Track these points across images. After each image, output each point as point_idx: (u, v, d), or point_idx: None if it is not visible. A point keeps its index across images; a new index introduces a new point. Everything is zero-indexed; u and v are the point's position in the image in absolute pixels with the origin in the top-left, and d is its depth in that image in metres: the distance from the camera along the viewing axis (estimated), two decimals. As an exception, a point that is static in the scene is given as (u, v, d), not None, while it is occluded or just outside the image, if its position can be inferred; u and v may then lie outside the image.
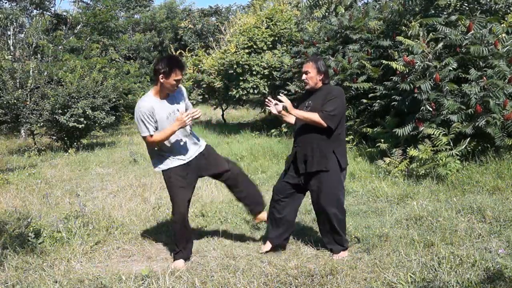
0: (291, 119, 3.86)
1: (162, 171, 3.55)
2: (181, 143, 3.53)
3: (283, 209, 3.74)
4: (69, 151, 10.74)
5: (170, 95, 3.51)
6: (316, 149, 3.54)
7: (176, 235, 3.66)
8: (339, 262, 3.35)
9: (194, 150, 3.60)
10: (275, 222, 3.76)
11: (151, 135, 3.37)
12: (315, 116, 3.45)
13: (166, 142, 3.46)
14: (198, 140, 3.68)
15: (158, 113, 3.38)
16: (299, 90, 9.32)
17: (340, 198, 3.64)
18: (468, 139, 5.78)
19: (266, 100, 3.77)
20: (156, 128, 3.40)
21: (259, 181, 6.77)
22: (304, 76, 3.66)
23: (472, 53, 6.00)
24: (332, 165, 3.55)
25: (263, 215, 3.90)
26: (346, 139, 7.96)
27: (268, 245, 3.75)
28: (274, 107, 3.73)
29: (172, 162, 3.51)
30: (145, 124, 3.35)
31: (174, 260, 3.62)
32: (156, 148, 3.51)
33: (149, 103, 3.38)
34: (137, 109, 3.37)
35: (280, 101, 3.57)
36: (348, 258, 3.49)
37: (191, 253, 3.70)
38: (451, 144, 5.80)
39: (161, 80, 3.34)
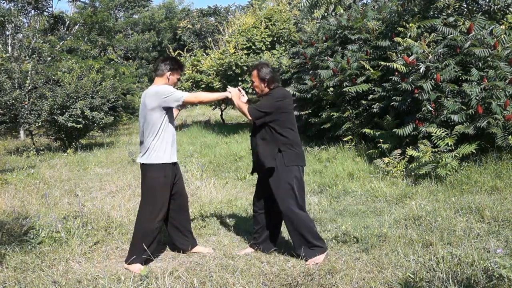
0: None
1: (161, 163, 3.55)
2: (175, 144, 3.68)
3: (261, 219, 3.73)
4: (67, 151, 10.74)
5: None
6: (260, 150, 3.54)
7: (140, 240, 3.51)
8: (338, 262, 3.35)
9: (175, 156, 3.72)
10: (256, 232, 3.76)
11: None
12: (244, 108, 3.53)
13: (171, 136, 3.58)
14: None
15: None
16: (297, 92, 9.28)
17: (295, 198, 3.47)
18: (473, 142, 5.79)
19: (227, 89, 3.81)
20: (166, 113, 3.53)
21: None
22: (252, 85, 3.72)
23: (478, 55, 6.00)
24: (278, 164, 3.47)
25: (198, 248, 3.83)
26: (345, 139, 7.94)
27: (248, 250, 3.73)
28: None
29: (171, 157, 3.61)
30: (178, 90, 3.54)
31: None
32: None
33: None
34: (163, 87, 3.50)
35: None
36: (347, 258, 3.50)
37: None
38: (452, 146, 5.80)
39: (169, 76, 3.60)
